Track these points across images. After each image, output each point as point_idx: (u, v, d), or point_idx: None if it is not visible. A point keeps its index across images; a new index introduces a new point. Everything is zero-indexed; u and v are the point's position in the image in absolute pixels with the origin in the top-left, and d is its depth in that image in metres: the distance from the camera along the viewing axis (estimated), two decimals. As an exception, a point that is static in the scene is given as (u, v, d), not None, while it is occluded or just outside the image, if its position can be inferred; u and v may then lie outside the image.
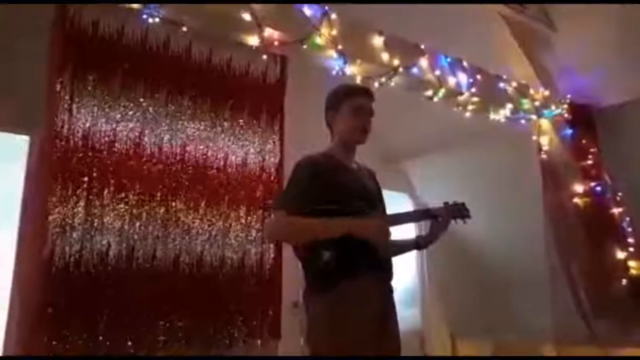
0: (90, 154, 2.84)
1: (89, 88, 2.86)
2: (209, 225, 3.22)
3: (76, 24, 2.82)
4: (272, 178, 3.50)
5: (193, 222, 3.16)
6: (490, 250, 4.69)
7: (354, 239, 1.79)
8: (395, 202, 4.71)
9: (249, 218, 3.38)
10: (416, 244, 2.12)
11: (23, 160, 2.90)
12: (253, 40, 2.75)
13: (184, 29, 2.74)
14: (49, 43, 2.77)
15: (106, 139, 2.90)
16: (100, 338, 2.73)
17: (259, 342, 3.28)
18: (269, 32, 2.71)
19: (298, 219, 1.79)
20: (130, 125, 2.99)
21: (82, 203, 2.79)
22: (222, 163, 3.33)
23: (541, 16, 3.73)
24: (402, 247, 2.11)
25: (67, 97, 2.78)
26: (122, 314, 2.82)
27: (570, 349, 4.01)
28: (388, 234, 1.89)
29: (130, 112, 3.00)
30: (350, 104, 1.99)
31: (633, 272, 3.92)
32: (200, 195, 3.20)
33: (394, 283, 1.98)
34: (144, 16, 2.53)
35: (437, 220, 2.09)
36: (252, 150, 3.47)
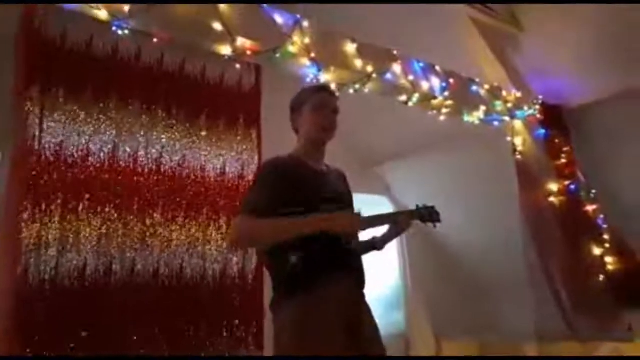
0: (63, 168, 2.78)
1: (60, 101, 2.80)
2: (188, 237, 3.18)
3: (42, 36, 2.76)
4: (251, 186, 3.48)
5: (172, 234, 3.12)
6: (470, 251, 4.75)
7: (322, 241, 1.75)
8: (374, 204, 4.75)
9: (228, 228, 3.35)
10: (373, 244, 2.11)
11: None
12: (225, 50, 2.74)
13: (155, 40, 2.72)
14: (15, 56, 2.71)
15: (79, 153, 2.85)
16: (81, 354, 2.67)
17: (244, 352, 3.25)
18: (241, 41, 2.70)
19: (263, 220, 1.74)
20: (104, 138, 2.95)
21: (56, 219, 2.73)
22: (199, 173, 3.30)
23: (509, 18, 3.80)
24: (362, 249, 2.07)
25: (37, 112, 2.72)
26: (102, 329, 2.76)
27: (552, 346, 4.06)
28: (357, 224, 1.87)
29: (103, 125, 2.95)
30: (312, 102, 1.97)
31: (610, 267, 4.00)
32: (179, 206, 3.17)
33: (370, 287, 1.95)
34: (114, 28, 2.51)
35: (398, 222, 2.09)
36: (229, 159, 3.44)
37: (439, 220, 2.21)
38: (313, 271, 1.76)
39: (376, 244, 2.11)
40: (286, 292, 1.80)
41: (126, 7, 2.43)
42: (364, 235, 2.10)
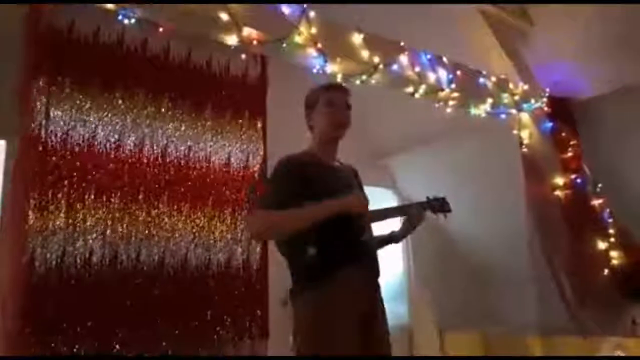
0: (69, 157, 2.80)
1: (66, 91, 2.82)
2: (193, 227, 3.20)
3: (50, 27, 2.77)
4: (256, 177, 3.49)
5: (177, 224, 3.14)
6: (474, 244, 4.74)
7: (338, 232, 1.81)
8: (381, 197, 4.75)
9: (233, 218, 3.36)
10: (390, 237, 2.16)
11: (1, 165, 2.86)
12: (232, 40, 2.74)
13: (161, 30, 2.72)
14: (23, 46, 2.72)
15: (85, 142, 2.87)
16: (86, 342, 2.70)
17: (248, 342, 3.27)
18: (247, 31, 2.70)
19: (281, 212, 1.80)
20: (110, 127, 2.96)
21: (62, 207, 2.75)
22: (204, 163, 3.31)
23: (518, 11, 3.77)
24: (379, 242, 2.13)
25: (43, 101, 2.74)
26: (107, 317, 2.79)
27: (556, 340, 4.06)
28: (366, 202, 1.93)
29: (109, 114, 2.97)
30: (324, 99, 2.01)
31: (615, 262, 3.98)
32: (184, 196, 3.18)
33: (380, 279, 1.99)
34: (120, 17, 2.50)
35: (411, 216, 2.15)
36: (234, 150, 3.45)
37: (449, 210, 2.26)
38: (331, 262, 1.82)
39: (394, 237, 2.16)
40: (305, 282, 1.85)
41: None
42: (381, 229, 2.14)
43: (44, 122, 2.74)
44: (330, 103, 2.00)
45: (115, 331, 2.80)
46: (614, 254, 3.99)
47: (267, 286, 3.42)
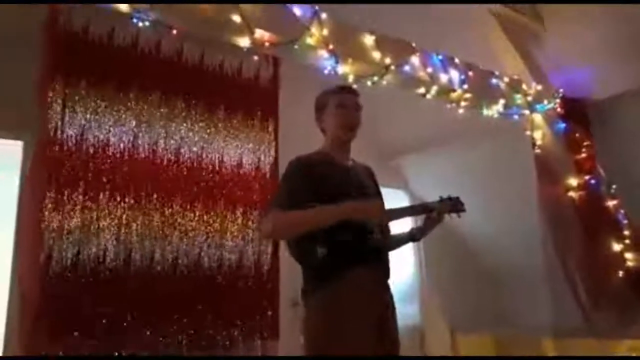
0: (84, 158, 2.84)
1: (82, 92, 2.86)
2: (205, 227, 3.23)
3: (67, 29, 2.82)
4: (267, 178, 3.51)
5: (190, 224, 3.17)
6: (487, 245, 4.72)
7: (350, 232, 1.82)
8: (392, 198, 4.74)
9: (245, 219, 3.38)
10: (411, 236, 2.18)
11: (18, 166, 2.91)
12: (244, 42, 2.76)
13: (174, 32, 2.75)
14: (41, 48, 2.77)
15: (100, 143, 2.91)
16: (100, 341, 2.74)
17: (258, 342, 3.29)
18: (259, 33, 2.71)
19: (294, 211, 1.81)
20: (124, 128, 3.00)
21: (78, 207, 2.79)
22: (217, 164, 3.33)
23: (531, 11, 3.75)
24: (398, 240, 2.17)
25: (59, 102, 2.78)
26: (121, 316, 2.82)
27: (569, 342, 4.03)
28: (384, 210, 1.94)
29: (124, 116, 3.00)
30: (334, 101, 2.03)
31: (629, 264, 3.94)
32: (196, 197, 3.21)
33: (390, 279, 2.00)
34: (134, 20, 2.54)
35: (432, 214, 2.15)
36: (247, 150, 3.47)
37: (463, 210, 2.27)
38: (342, 262, 1.83)
39: (414, 235, 2.18)
40: (316, 282, 1.86)
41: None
42: (401, 227, 2.16)
43: (59, 123, 2.78)
44: (341, 105, 2.02)
45: (128, 329, 2.83)
46: (629, 255, 3.95)
47: (278, 286, 3.43)
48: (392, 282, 1.99)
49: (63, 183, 2.76)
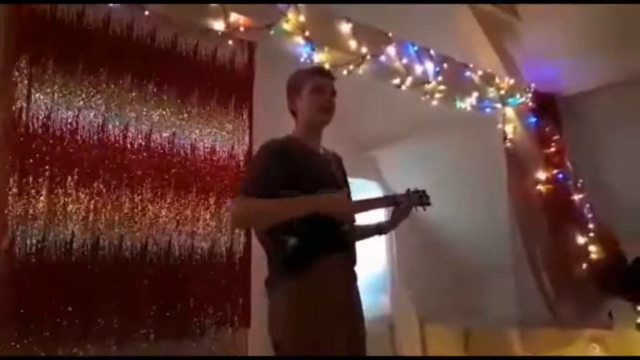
0: (51, 141, 2.74)
1: (49, 73, 2.76)
2: (176, 214, 3.17)
3: (32, 7, 2.70)
4: (241, 165, 3.47)
5: (160, 211, 3.11)
6: (457, 237, 4.79)
7: (318, 224, 1.79)
8: (365, 189, 4.76)
9: (218, 206, 3.34)
10: (378, 229, 2.17)
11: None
12: (219, 25, 2.71)
13: (147, 13, 2.68)
14: (4, 26, 2.66)
15: (68, 126, 2.81)
16: (66, 329, 2.67)
17: (229, 330, 3.27)
18: (234, 17, 2.67)
19: (262, 201, 1.76)
20: (93, 112, 2.91)
21: (43, 192, 2.70)
22: (189, 150, 3.27)
23: (506, 4, 3.79)
24: (365, 231, 2.15)
25: (25, 83, 2.67)
26: (89, 304, 2.76)
27: (534, 332, 4.13)
28: (352, 207, 1.94)
29: (93, 99, 2.91)
30: (311, 84, 1.97)
31: (593, 256, 4.06)
32: (168, 183, 3.15)
33: (358, 269, 2.00)
34: (106, -1, 2.46)
35: (399, 207, 2.14)
36: (220, 137, 3.42)
37: (428, 204, 2.24)
38: (310, 252, 1.80)
39: (382, 229, 2.17)
40: (283, 271, 1.84)
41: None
42: (367, 219, 2.14)
43: (25, 105, 2.68)
44: (318, 89, 1.96)
45: (96, 317, 2.77)
46: (592, 248, 4.06)
47: (250, 275, 3.41)
48: (361, 272, 2.00)
49: (28, 167, 2.66)
